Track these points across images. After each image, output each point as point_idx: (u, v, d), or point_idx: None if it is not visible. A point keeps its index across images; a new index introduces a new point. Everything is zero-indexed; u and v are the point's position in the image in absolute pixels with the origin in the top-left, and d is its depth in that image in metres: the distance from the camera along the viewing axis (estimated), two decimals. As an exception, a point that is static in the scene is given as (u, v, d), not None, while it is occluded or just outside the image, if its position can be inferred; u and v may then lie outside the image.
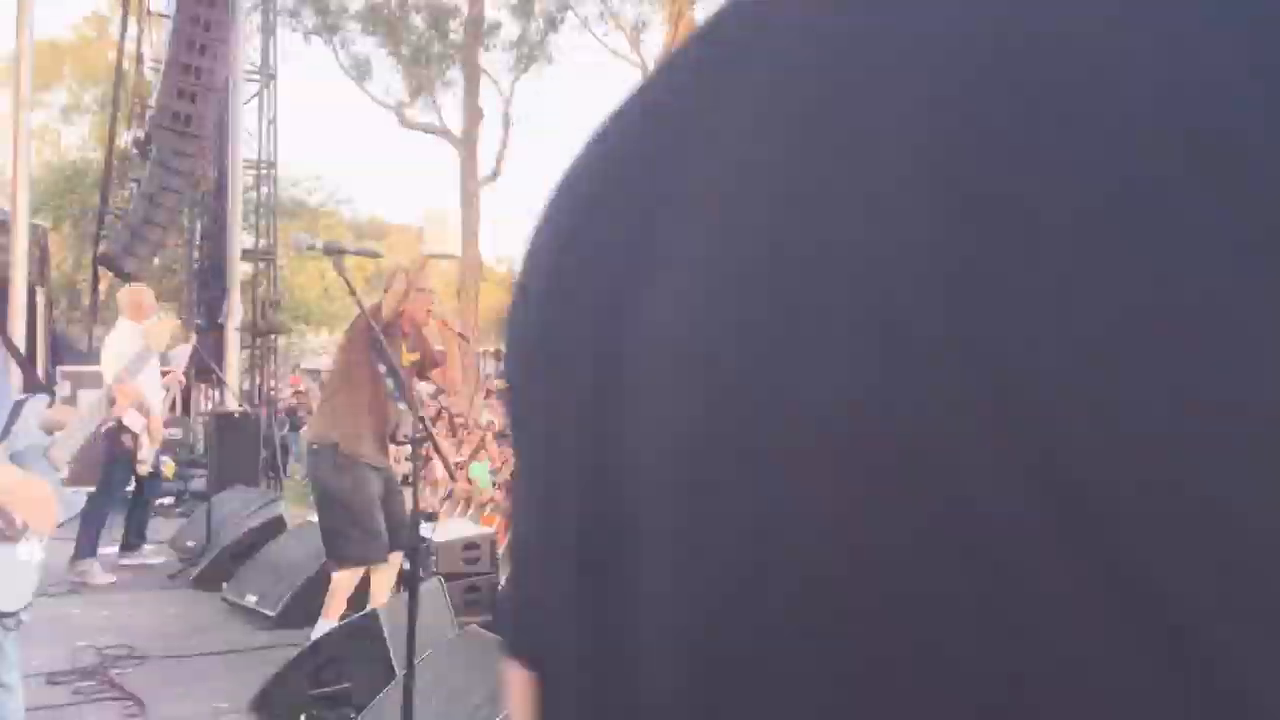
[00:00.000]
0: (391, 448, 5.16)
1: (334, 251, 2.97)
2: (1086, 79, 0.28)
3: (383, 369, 4.40)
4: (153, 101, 12.22)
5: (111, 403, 2.80)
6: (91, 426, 2.78)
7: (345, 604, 5.12)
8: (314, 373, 40.87)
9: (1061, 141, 0.28)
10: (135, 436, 6.53)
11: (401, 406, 4.80)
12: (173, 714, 4.28)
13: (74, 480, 8.41)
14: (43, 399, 2.71)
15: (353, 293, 3.16)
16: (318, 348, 44.30)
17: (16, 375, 2.91)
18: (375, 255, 3.21)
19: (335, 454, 4.86)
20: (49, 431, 2.70)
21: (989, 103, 0.29)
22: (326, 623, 5.04)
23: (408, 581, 3.58)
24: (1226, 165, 0.26)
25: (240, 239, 12.09)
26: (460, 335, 5.42)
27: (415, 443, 3.09)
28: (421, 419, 3.01)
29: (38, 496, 2.48)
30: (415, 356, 5.11)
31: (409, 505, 3.37)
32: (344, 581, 5.12)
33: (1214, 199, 0.26)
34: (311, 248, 2.92)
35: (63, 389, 9.75)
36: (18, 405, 2.59)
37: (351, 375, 4.91)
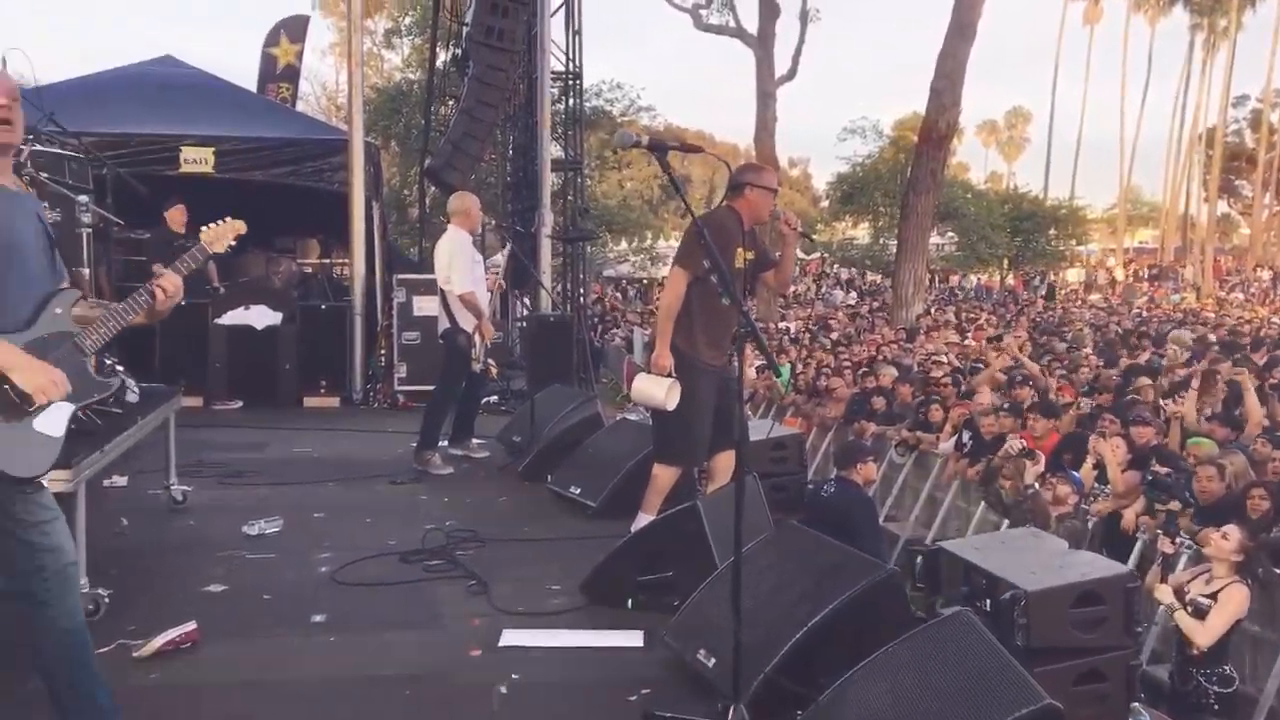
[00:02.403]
0: None
1: (659, 148, 2.97)
2: None
3: (707, 265, 4.42)
4: (468, 19, 12.75)
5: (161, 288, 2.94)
6: (117, 325, 2.91)
7: (663, 499, 5.29)
8: (614, 280, 42.26)
9: None
10: (469, 336, 6.94)
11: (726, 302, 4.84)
12: (510, 592, 4.58)
13: (411, 379, 9.18)
14: (72, 294, 2.90)
15: (677, 189, 3.17)
16: (617, 256, 45.76)
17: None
18: (698, 151, 3.18)
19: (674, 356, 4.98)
20: (81, 324, 2.87)
21: None
22: (646, 516, 5.23)
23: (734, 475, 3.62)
24: None
25: (550, 150, 12.49)
26: (803, 234, 5.33)
27: (738, 339, 3.08)
28: (745, 314, 2.99)
29: (36, 373, 2.67)
30: (750, 255, 5.10)
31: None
32: (663, 478, 5.28)
33: None
34: (637, 144, 2.93)
35: (399, 294, 10.57)
36: (47, 297, 2.81)
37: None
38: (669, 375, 4.97)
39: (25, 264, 2.79)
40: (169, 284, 2.93)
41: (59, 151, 5.83)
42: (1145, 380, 10.03)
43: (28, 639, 2.88)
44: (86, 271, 5.41)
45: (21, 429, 2.69)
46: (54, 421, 2.74)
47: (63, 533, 2.84)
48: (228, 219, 3.21)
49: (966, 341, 16.00)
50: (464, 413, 7.68)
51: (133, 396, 5.36)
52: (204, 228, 3.20)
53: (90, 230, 5.68)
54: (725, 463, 5.38)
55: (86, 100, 9.68)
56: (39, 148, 5.29)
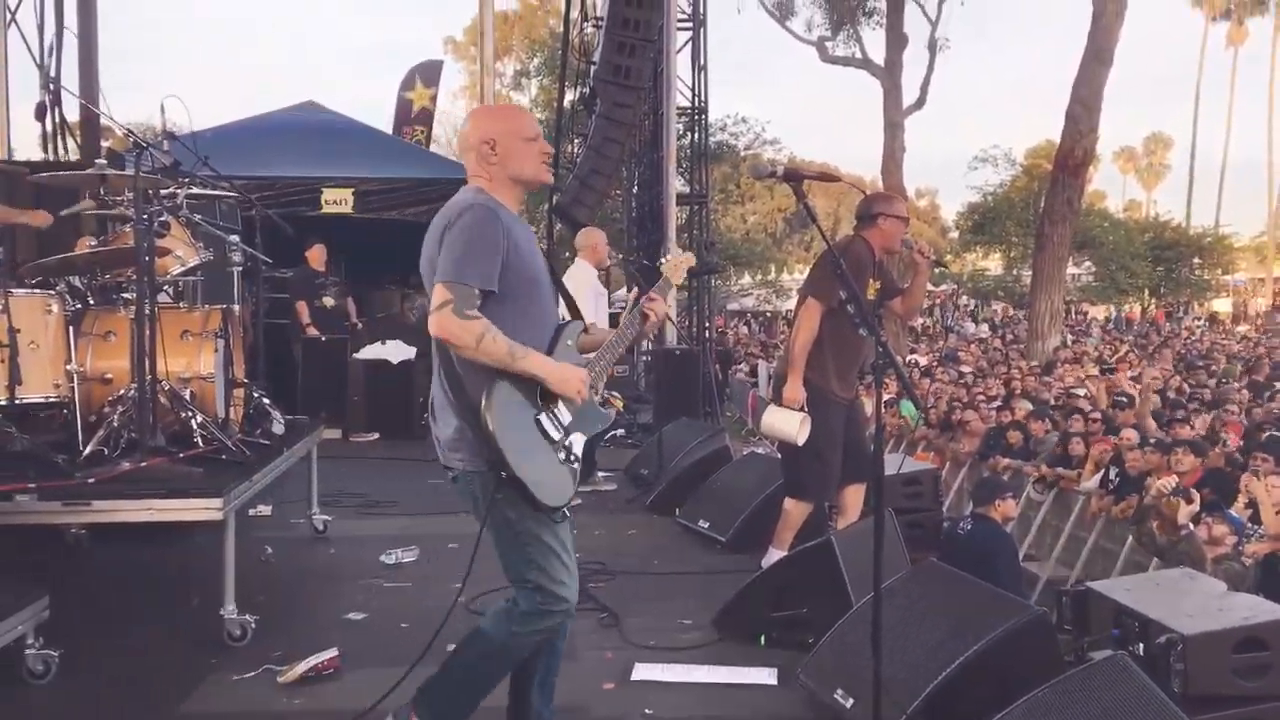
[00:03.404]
0: None
1: (794, 177, 2.95)
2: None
3: (844, 295, 4.37)
4: (595, 58, 12.96)
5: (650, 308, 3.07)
6: (618, 351, 3.03)
7: (794, 534, 5.21)
8: (738, 313, 42.18)
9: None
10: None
11: (863, 334, 4.77)
12: (642, 626, 4.56)
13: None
14: (579, 325, 3.02)
15: (813, 218, 3.13)
16: (741, 290, 45.69)
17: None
18: (834, 179, 3.13)
19: (806, 390, 4.93)
20: (582, 353, 2.99)
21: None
22: (777, 551, 5.16)
23: (872, 511, 3.54)
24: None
25: (675, 184, 12.57)
26: (936, 262, 5.24)
27: (876, 370, 3.01)
28: (883, 345, 2.93)
29: (568, 375, 2.77)
30: (878, 285, 5.04)
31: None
32: (794, 513, 5.20)
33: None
34: (773, 174, 2.91)
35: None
36: (559, 328, 2.93)
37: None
38: (800, 409, 4.91)
39: (544, 296, 2.93)
40: (659, 307, 3.08)
41: (212, 193, 6.11)
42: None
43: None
44: (238, 308, 5.63)
45: (549, 459, 2.80)
46: (571, 454, 2.86)
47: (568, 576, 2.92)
48: (685, 251, 3.46)
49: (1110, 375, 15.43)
50: (589, 445, 7.68)
51: (278, 428, 5.56)
52: (662, 260, 3.44)
53: (240, 269, 5.91)
54: (854, 498, 5.28)
55: (236, 145, 10.12)
56: (195, 190, 5.55)
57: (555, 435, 2.79)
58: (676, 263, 3.36)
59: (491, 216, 2.77)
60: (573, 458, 2.84)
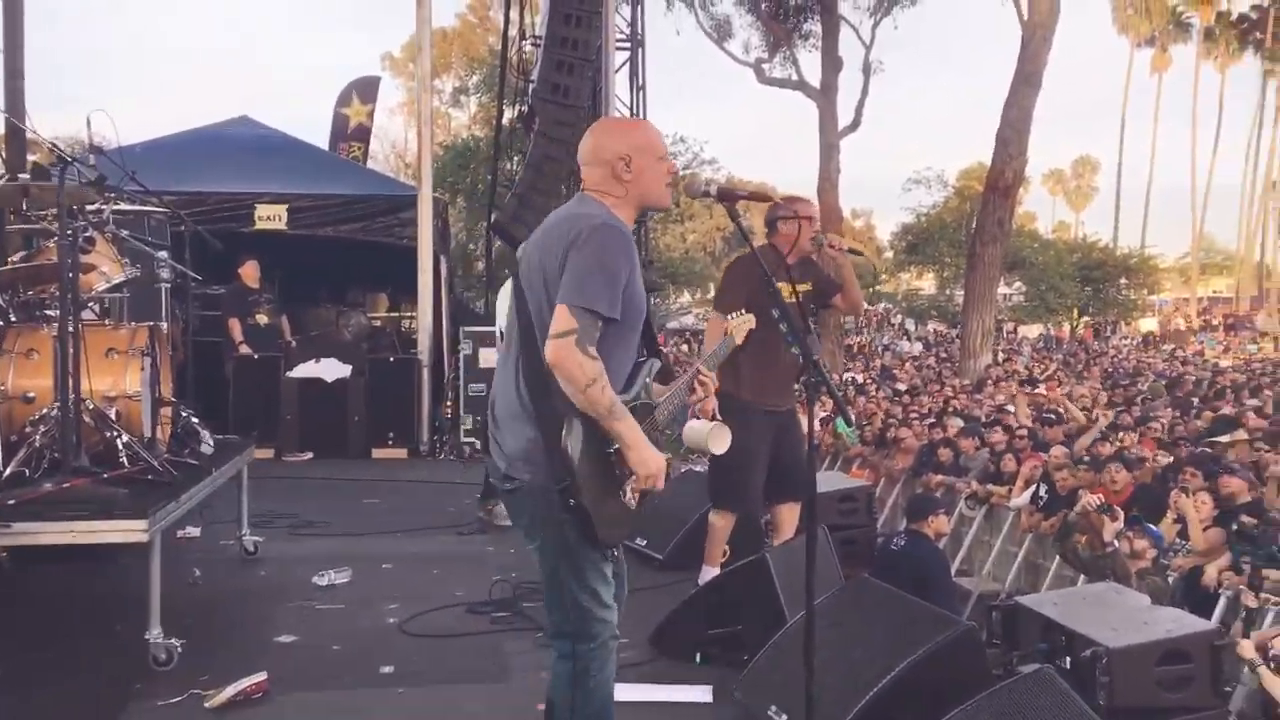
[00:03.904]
0: None
1: (728, 196, 2.97)
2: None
3: (776, 314, 4.39)
4: (534, 76, 12.98)
5: (699, 383, 3.01)
6: (684, 398, 2.98)
7: (723, 549, 5.23)
8: (678, 332, 42.35)
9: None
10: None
11: (794, 350, 4.79)
12: (578, 645, 4.53)
13: (478, 430, 9.05)
14: (656, 363, 2.95)
15: (745, 237, 3.16)
16: (680, 308, 45.91)
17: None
18: (767, 199, 3.16)
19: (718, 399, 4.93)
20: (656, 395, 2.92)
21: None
22: (709, 569, 5.17)
23: (805, 528, 3.56)
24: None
25: (614, 203, 12.58)
26: (852, 250, 5.26)
27: (809, 387, 3.03)
28: (815, 363, 2.95)
29: (650, 460, 2.68)
30: (807, 286, 5.04)
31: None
32: (717, 525, 5.23)
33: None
34: (706, 193, 2.93)
35: (465, 347, 10.68)
36: (638, 365, 2.87)
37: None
38: (712, 418, 4.93)
39: (638, 329, 2.84)
40: (709, 385, 3.01)
41: (139, 208, 6.01)
42: (1241, 434, 9.78)
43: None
44: (166, 326, 5.53)
45: (617, 496, 2.73)
46: (630, 495, 2.78)
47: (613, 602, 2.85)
48: (747, 313, 3.47)
49: (1038, 391, 15.72)
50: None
51: (207, 448, 5.46)
52: (730, 317, 3.45)
53: (169, 286, 5.82)
54: (789, 515, 5.30)
55: (168, 160, 9.97)
56: (122, 205, 5.45)
57: (620, 473, 2.72)
58: (740, 324, 3.38)
59: (625, 241, 2.69)
60: (633, 500, 2.78)
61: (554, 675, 2.89)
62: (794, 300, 4.88)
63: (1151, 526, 6.73)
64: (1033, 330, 40.27)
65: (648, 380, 2.88)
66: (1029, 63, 18.19)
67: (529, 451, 2.71)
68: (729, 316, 3.43)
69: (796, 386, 5.29)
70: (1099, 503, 6.82)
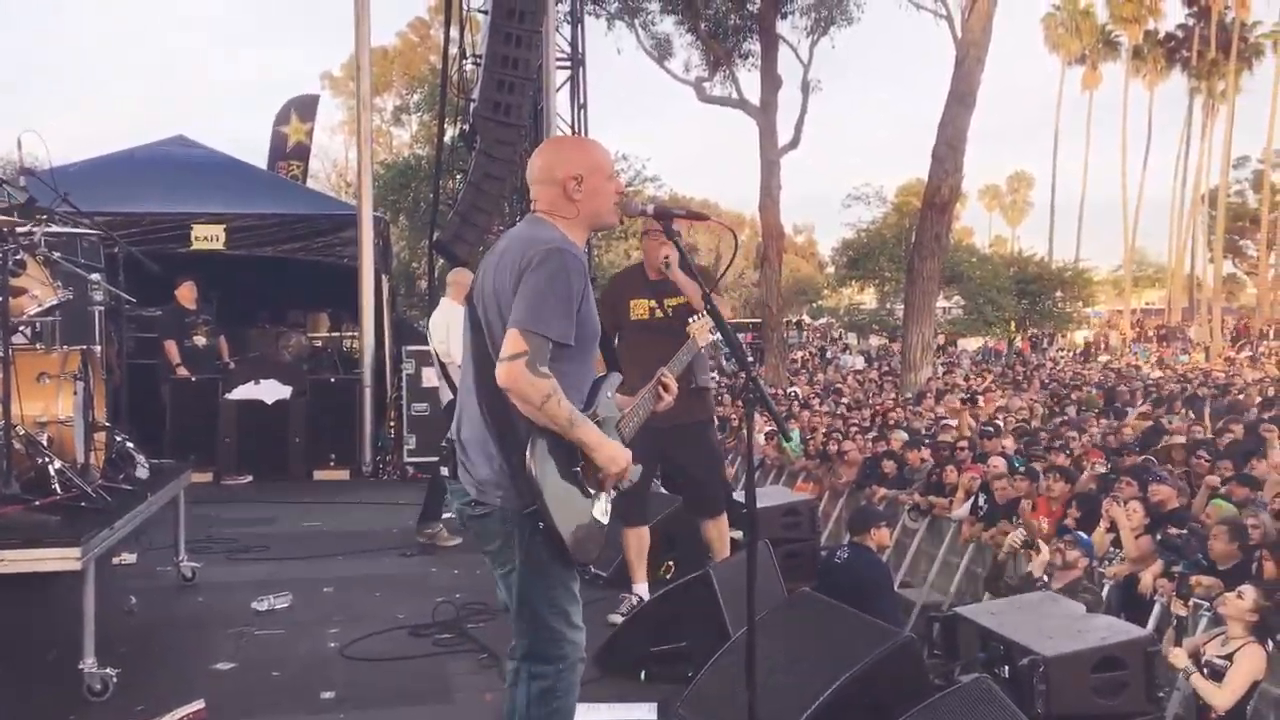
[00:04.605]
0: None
1: (664, 215, 3.00)
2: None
3: (719, 337, 4.43)
4: (475, 95, 12.96)
5: (662, 386, 3.01)
6: (650, 406, 2.98)
7: (643, 563, 5.26)
8: (624, 348, 42.46)
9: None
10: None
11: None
12: (522, 666, 4.51)
13: (421, 450, 8.91)
14: (617, 378, 2.95)
15: (682, 254, 3.19)
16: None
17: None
18: (703, 219, 3.19)
19: None
20: (619, 407, 2.93)
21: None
22: (638, 585, 5.19)
23: (745, 544, 3.59)
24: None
25: (556, 221, 12.59)
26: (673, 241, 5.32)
27: (747, 403, 3.07)
28: (754, 379, 2.99)
29: (619, 455, 2.72)
30: (680, 300, 5.08)
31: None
32: (628, 540, 5.28)
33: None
34: (643, 212, 2.96)
35: (408, 366, 10.60)
36: (598, 382, 2.86)
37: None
38: None
39: (595, 347, 2.84)
40: (672, 385, 3.00)
41: (72, 230, 5.90)
42: (1178, 439, 10.02)
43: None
44: (99, 349, 5.44)
45: (586, 513, 2.72)
46: (606, 509, 2.78)
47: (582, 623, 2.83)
48: (703, 315, 3.48)
49: (978, 405, 15.96)
50: (435, 490, 6.96)
51: (142, 472, 5.37)
52: (691, 320, 3.49)
53: (102, 308, 5.72)
54: (714, 531, 5.31)
55: (102, 181, 9.81)
56: (53, 227, 5.35)
57: (591, 490, 2.73)
58: (700, 326, 3.45)
59: (579, 266, 2.68)
60: (604, 513, 2.79)
61: (512, 699, 2.86)
62: (662, 314, 4.97)
63: (1083, 535, 6.86)
64: (972, 343, 40.88)
65: (609, 395, 2.89)
66: (963, 81, 18.55)
67: (497, 476, 2.71)
68: (690, 319, 3.46)
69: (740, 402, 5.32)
70: (1023, 539, 6.92)
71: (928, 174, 19.24)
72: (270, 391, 9.90)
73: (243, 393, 9.82)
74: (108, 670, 4.05)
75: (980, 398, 17.02)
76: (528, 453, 2.62)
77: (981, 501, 8.95)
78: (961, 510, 9.24)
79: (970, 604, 6.26)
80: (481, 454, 2.75)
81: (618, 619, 4.97)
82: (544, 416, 2.60)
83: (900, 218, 36.67)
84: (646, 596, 5.17)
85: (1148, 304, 61.42)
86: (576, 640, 2.83)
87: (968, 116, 18.70)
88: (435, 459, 7.67)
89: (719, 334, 3.21)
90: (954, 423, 12.87)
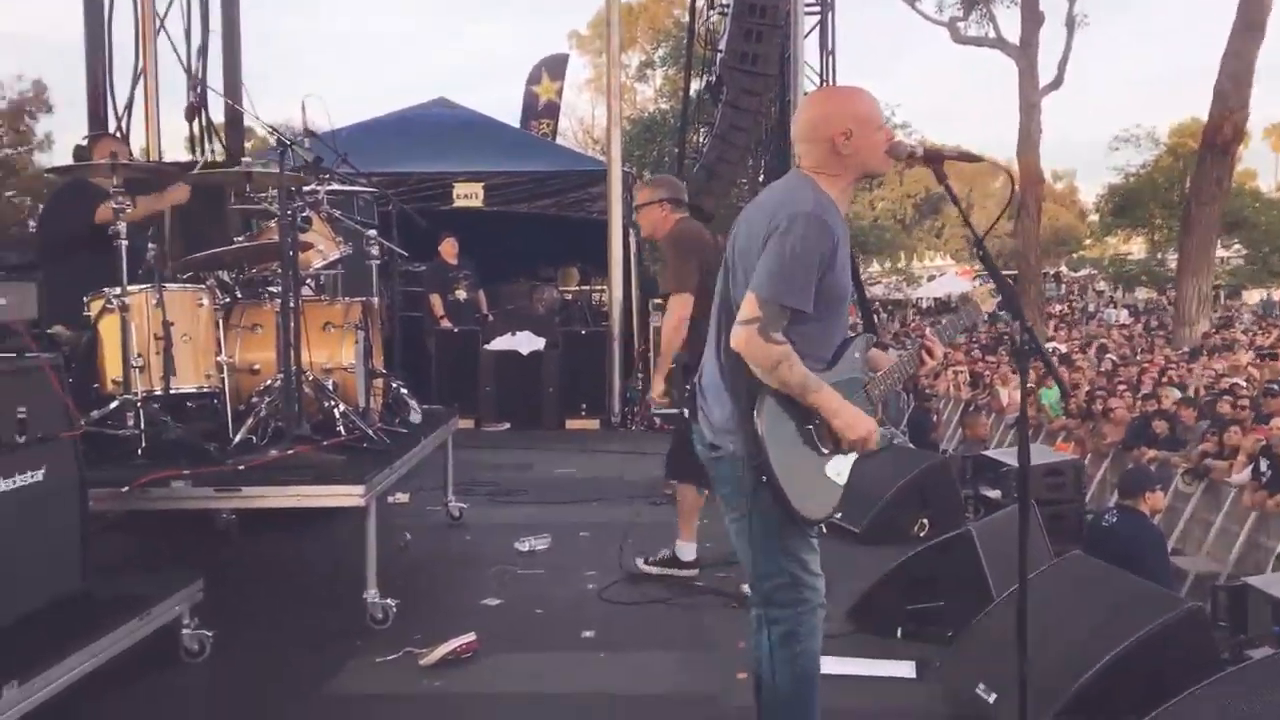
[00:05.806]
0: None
1: (935, 158, 2.86)
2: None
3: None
4: (721, 45, 12.90)
5: (926, 350, 2.93)
6: (897, 380, 2.91)
7: (692, 522, 5.15)
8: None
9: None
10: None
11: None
12: (775, 616, 4.50)
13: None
14: (869, 338, 2.91)
15: (954, 199, 3.04)
16: (870, 278, 44.96)
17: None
18: (976, 159, 3.02)
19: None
20: (872, 369, 2.88)
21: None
22: (685, 544, 5.13)
23: (1018, 500, 3.42)
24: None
25: (803, 172, 12.39)
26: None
27: (1018, 356, 2.90)
28: (1028, 329, 2.81)
29: (857, 423, 2.67)
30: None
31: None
32: (682, 498, 5.14)
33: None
34: (913, 155, 2.83)
35: (655, 319, 10.76)
36: (846, 341, 2.83)
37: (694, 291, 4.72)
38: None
39: (845, 311, 2.85)
40: (937, 350, 2.95)
41: (351, 188, 6.28)
42: None
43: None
44: (376, 301, 5.78)
45: (817, 472, 2.74)
46: (842, 469, 2.78)
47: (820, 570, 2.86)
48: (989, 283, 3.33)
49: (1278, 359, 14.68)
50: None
51: (416, 417, 5.69)
52: (975, 283, 3.39)
53: (377, 263, 6.07)
54: (688, 493, 5.16)
55: (370, 142, 10.40)
56: (335, 186, 5.71)
57: (825, 449, 2.70)
58: (984, 291, 3.25)
59: (825, 232, 2.63)
60: (840, 473, 2.74)
61: (756, 645, 2.87)
62: None
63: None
64: (1253, 296, 37.64)
65: (856, 355, 2.81)
66: (1252, 7, 16.91)
67: (729, 422, 2.73)
68: (975, 283, 3.31)
69: (993, 358, 5.08)
70: None
71: (1208, 112, 17.72)
72: (525, 343, 10.29)
73: (500, 344, 10.25)
74: (388, 600, 4.32)
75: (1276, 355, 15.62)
76: (755, 408, 2.61)
77: (1264, 466, 8.24)
78: (1242, 475, 8.55)
79: (1256, 575, 5.79)
80: (717, 400, 2.78)
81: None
82: (775, 381, 2.59)
83: (1174, 161, 34.00)
84: (685, 559, 5.11)
85: None
86: (815, 585, 2.79)
87: (1256, 46, 17.06)
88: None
89: (1000, 296, 3.02)
90: (1239, 380, 11.89)
